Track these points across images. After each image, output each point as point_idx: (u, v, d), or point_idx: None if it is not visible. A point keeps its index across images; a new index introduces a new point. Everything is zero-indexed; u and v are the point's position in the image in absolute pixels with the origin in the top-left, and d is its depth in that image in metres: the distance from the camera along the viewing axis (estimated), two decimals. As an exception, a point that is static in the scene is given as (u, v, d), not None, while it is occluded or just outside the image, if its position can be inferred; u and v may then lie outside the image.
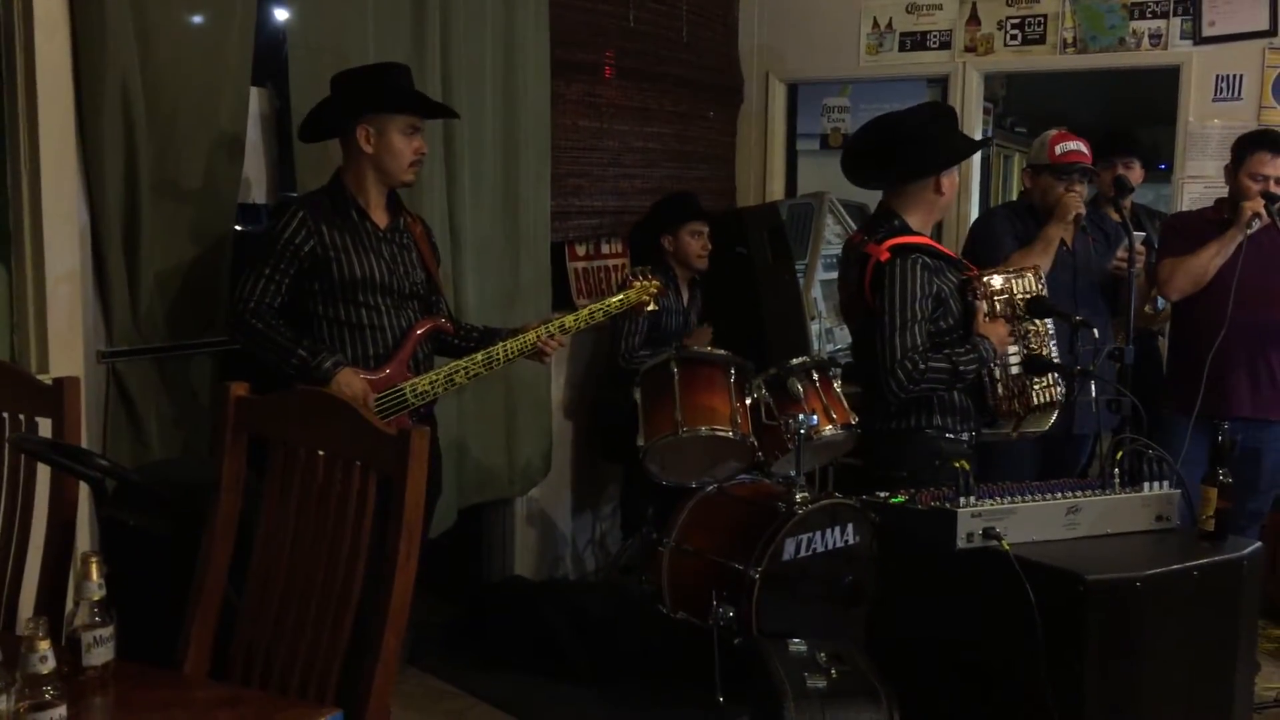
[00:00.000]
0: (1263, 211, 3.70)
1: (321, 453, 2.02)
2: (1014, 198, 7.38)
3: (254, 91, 3.31)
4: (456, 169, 3.90)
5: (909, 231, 3.17)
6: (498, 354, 3.13)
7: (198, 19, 3.09)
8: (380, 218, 3.09)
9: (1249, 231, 3.73)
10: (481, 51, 3.97)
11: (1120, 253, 3.93)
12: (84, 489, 2.38)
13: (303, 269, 2.96)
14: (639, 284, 3.42)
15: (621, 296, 3.39)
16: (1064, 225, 3.89)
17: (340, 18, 3.43)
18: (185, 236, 3.11)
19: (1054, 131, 4.03)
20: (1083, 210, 3.92)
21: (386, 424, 2.02)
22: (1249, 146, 3.83)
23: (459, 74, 3.86)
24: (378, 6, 3.54)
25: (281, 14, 3.43)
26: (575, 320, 3.26)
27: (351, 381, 2.90)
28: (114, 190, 2.93)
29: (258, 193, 3.46)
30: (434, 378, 3.07)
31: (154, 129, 2.99)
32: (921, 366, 3.02)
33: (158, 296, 3.04)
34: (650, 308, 3.47)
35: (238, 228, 3.30)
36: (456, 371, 3.09)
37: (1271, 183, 3.76)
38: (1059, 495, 2.71)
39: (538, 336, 3.17)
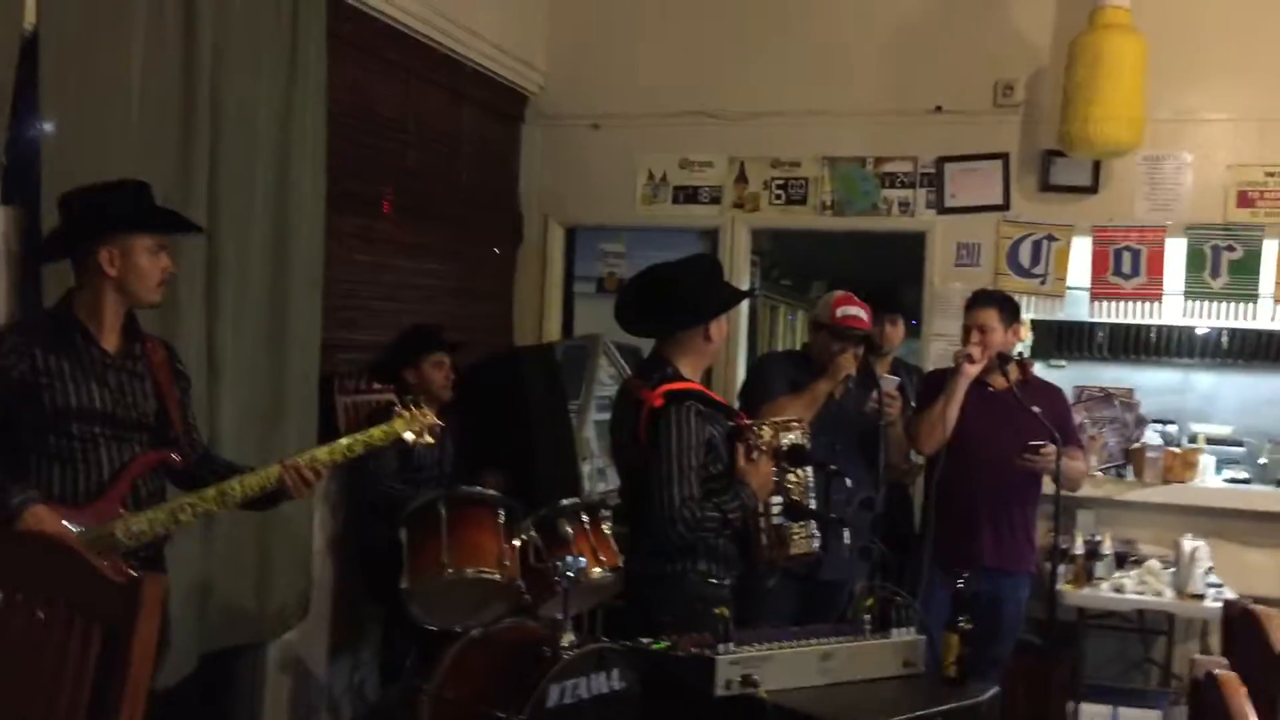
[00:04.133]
0: (975, 354, 4.00)
1: (39, 599, 1.86)
2: (779, 347, 7.73)
3: (1, 210, 3.12)
4: (219, 292, 3.76)
5: (681, 378, 3.26)
6: (233, 488, 2.86)
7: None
8: (111, 342, 2.86)
9: (965, 376, 4.01)
10: (252, 177, 3.87)
11: (872, 396, 4.12)
12: None
13: (10, 396, 2.70)
14: (407, 414, 3.13)
15: (386, 427, 3.10)
16: (833, 382, 4.03)
17: (101, 136, 3.29)
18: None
19: (839, 293, 4.20)
20: (853, 372, 4.06)
21: (116, 570, 1.88)
22: (972, 301, 4.22)
23: (227, 198, 3.75)
24: (142, 125, 3.42)
25: (37, 129, 3.25)
26: (330, 453, 2.99)
27: (44, 519, 2.59)
28: None
29: (-2, 314, 3.24)
30: (153, 516, 2.79)
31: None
32: (699, 515, 3.08)
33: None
34: (425, 439, 3.17)
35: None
36: (181, 508, 2.82)
37: (974, 331, 4.07)
38: (813, 641, 2.78)
39: (283, 470, 2.91)
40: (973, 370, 4.02)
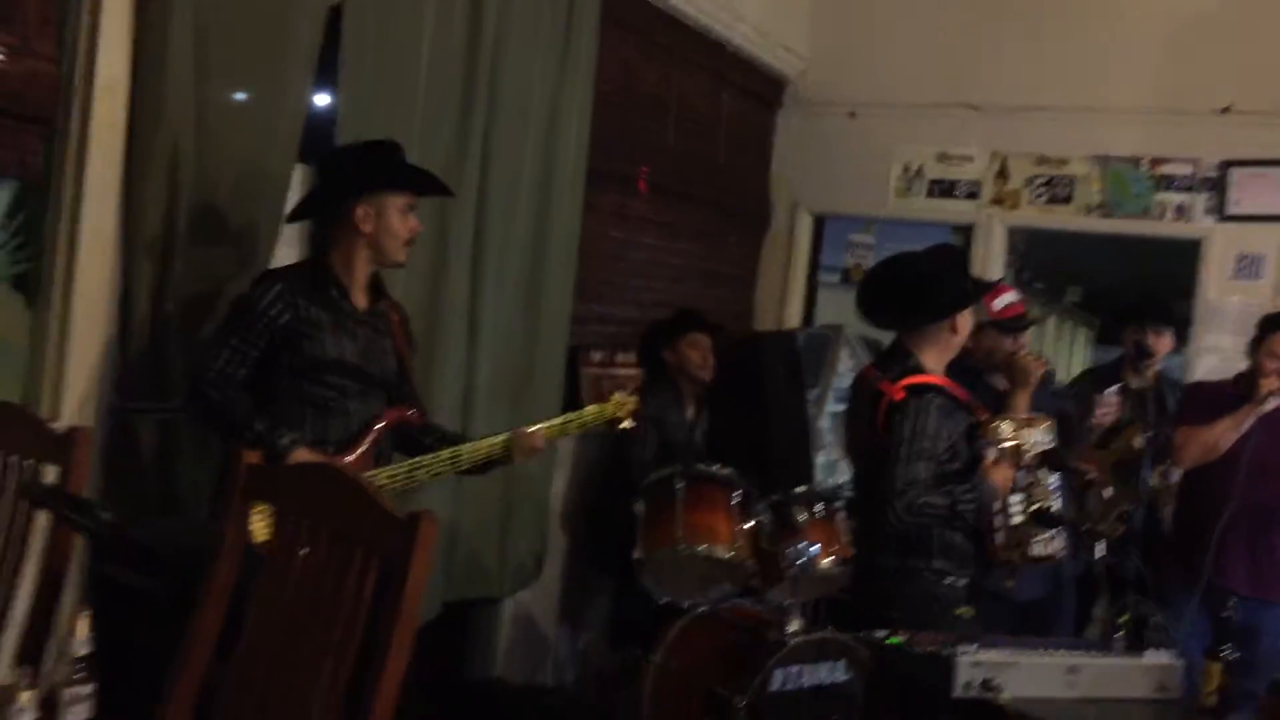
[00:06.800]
0: (1277, 389, 3.71)
1: (324, 531, 1.99)
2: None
3: (297, 168, 3.35)
4: (484, 258, 3.94)
5: (923, 370, 3.19)
6: (464, 454, 3.02)
7: (253, 95, 3.15)
8: (360, 299, 2.98)
9: (1263, 409, 3.74)
10: (522, 150, 4.04)
11: (1099, 409, 3.87)
12: (79, 541, 2.35)
13: (274, 342, 2.83)
14: (615, 399, 3.27)
15: (598, 409, 3.25)
16: (1028, 389, 3.60)
17: (391, 104, 3.49)
18: (214, 304, 3.11)
19: None
20: (1041, 370, 3.65)
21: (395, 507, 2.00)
22: (1272, 326, 3.85)
23: (497, 170, 3.92)
24: (428, 95, 3.62)
25: (333, 98, 3.49)
26: (548, 429, 3.14)
27: (308, 460, 2.74)
28: (150, 252, 2.94)
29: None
30: (394, 473, 2.94)
31: (198, 196, 3.02)
32: (920, 500, 3.01)
33: (180, 358, 3.03)
34: (625, 425, 3.29)
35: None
36: (419, 468, 2.95)
37: None
38: (1060, 652, 2.67)
39: (511, 442, 3.06)
40: (1272, 405, 3.73)
